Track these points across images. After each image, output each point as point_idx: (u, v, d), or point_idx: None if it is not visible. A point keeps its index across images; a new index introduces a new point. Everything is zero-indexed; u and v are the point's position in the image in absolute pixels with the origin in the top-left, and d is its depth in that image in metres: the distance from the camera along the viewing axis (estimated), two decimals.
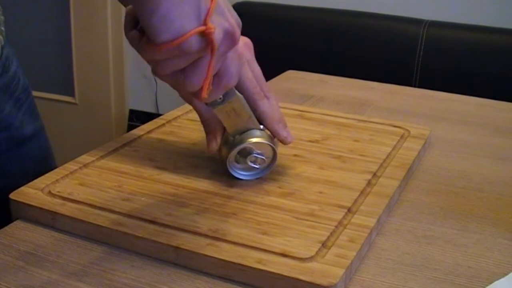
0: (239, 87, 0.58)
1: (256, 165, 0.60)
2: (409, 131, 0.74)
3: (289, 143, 0.62)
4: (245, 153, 0.60)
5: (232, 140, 0.59)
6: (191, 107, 0.80)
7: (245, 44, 0.60)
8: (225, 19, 0.46)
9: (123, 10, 0.51)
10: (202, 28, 0.44)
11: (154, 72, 0.48)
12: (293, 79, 1.06)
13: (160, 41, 0.44)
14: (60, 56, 2.32)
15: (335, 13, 1.70)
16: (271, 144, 0.60)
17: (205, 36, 0.45)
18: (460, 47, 1.54)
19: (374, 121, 0.78)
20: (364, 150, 0.68)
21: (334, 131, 0.74)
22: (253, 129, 0.59)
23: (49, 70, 2.34)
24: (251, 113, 0.58)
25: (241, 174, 0.61)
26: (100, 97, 2.31)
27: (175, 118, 0.76)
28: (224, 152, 0.60)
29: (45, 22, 2.30)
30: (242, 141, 0.59)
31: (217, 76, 0.49)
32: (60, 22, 2.27)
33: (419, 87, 1.19)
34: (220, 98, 0.54)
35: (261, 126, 0.60)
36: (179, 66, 0.47)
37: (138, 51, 0.47)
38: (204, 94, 0.47)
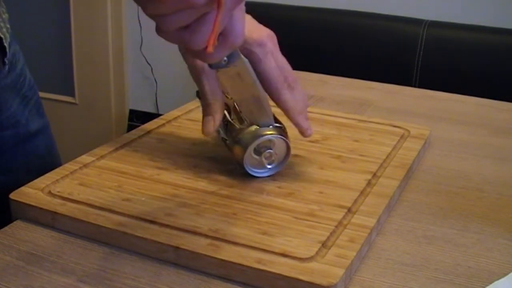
0: (262, 77, 0.58)
1: (271, 161, 0.60)
2: (409, 131, 0.74)
3: (309, 135, 0.61)
4: (259, 150, 0.60)
5: (243, 140, 0.59)
6: (191, 107, 0.80)
7: (268, 35, 0.60)
8: None
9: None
10: None
11: (158, 29, 0.46)
12: None
13: None
14: (60, 56, 2.33)
15: (335, 13, 1.70)
16: (285, 139, 0.60)
17: None
18: (460, 47, 1.54)
19: (374, 121, 0.78)
20: (364, 150, 0.68)
21: (334, 131, 0.74)
22: (259, 114, 0.59)
23: (49, 70, 2.34)
24: (256, 78, 0.57)
25: (255, 172, 0.61)
26: (100, 97, 2.31)
27: (175, 118, 0.76)
28: (238, 151, 0.60)
29: (45, 22, 2.30)
30: (255, 138, 0.58)
31: (223, 35, 0.48)
32: (60, 22, 2.27)
33: (419, 87, 1.19)
34: (224, 60, 0.53)
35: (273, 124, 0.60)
36: (184, 22, 0.45)
37: (142, 6, 0.46)
38: (210, 48, 0.45)
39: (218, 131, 0.70)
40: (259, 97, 0.58)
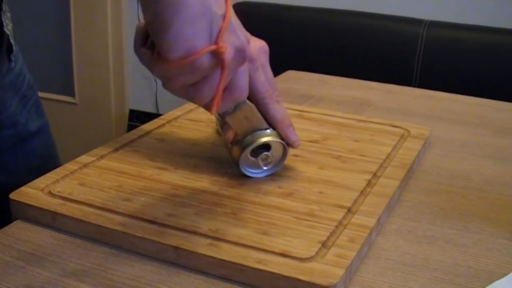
0: (252, 90, 0.59)
1: (267, 163, 0.61)
2: (409, 131, 0.74)
3: (297, 147, 0.62)
4: (256, 152, 0.60)
5: (242, 139, 0.59)
6: (191, 107, 0.80)
7: (261, 48, 0.61)
8: (236, 37, 0.47)
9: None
10: (214, 47, 0.45)
11: (165, 86, 0.49)
12: (293, 79, 1.06)
13: (172, 58, 0.45)
14: (60, 56, 2.33)
15: (335, 13, 1.70)
16: (282, 142, 0.60)
17: (217, 55, 0.46)
18: (460, 47, 1.54)
19: (374, 121, 0.78)
20: (364, 150, 0.68)
21: (334, 131, 0.74)
22: (262, 128, 0.60)
23: (49, 70, 2.34)
24: (262, 118, 0.59)
25: (251, 172, 0.61)
26: (100, 97, 2.31)
27: (175, 118, 0.76)
28: (236, 151, 0.60)
29: (45, 22, 2.30)
30: (253, 141, 0.59)
31: (228, 89, 0.50)
32: (60, 22, 2.27)
33: (419, 87, 1.19)
34: (231, 108, 0.55)
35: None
36: (190, 81, 0.48)
37: (148, 67, 0.48)
38: (214, 110, 0.49)
39: (218, 131, 0.70)
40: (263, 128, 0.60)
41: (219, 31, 0.46)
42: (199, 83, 0.48)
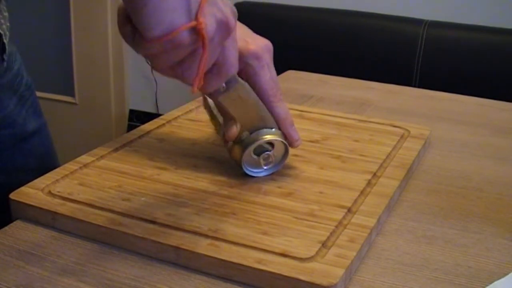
0: (257, 88, 0.59)
1: (268, 162, 0.61)
2: (409, 131, 0.74)
3: (298, 146, 0.62)
4: (258, 151, 0.60)
5: (244, 138, 0.59)
6: (191, 107, 0.80)
7: (265, 46, 0.61)
8: (218, 9, 0.46)
9: None
10: (193, 23, 0.44)
11: (153, 67, 0.48)
12: (293, 79, 1.06)
13: (151, 37, 0.44)
14: (60, 56, 2.32)
15: (335, 13, 1.70)
16: (283, 141, 0.60)
17: (197, 32, 0.45)
18: (460, 47, 1.54)
19: (374, 121, 0.78)
20: (364, 150, 0.68)
21: (334, 131, 0.74)
22: (264, 127, 0.60)
23: (49, 70, 2.34)
24: (258, 98, 0.58)
25: (252, 172, 0.61)
26: (100, 97, 2.31)
27: (175, 118, 0.76)
28: (237, 150, 0.60)
29: (45, 22, 2.30)
30: (256, 139, 0.59)
31: (217, 65, 0.49)
32: (60, 22, 2.27)
33: (419, 87, 1.20)
34: (223, 87, 0.54)
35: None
36: (175, 59, 0.46)
37: (132, 47, 0.47)
38: (195, 89, 0.47)
39: (216, 127, 0.70)
40: (263, 116, 0.59)
41: (199, 6, 0.45)
42: (185, 60, 0.47)
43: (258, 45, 0.60)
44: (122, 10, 0.48)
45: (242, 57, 0.57)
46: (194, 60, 0.47)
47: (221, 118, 0.63)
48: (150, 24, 0.44)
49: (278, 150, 0.61)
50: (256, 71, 0.59)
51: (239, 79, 0.55)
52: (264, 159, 0.61)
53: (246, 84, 0.57)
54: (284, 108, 0.61)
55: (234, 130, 0.59)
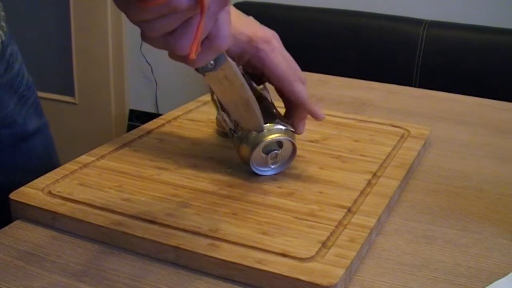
0: (272, 72, 0.61)
1: (275, 161, 0.61)
2: (409, 131, 0.74)
3: (323, 118, 0.64)
4: (266, 150, 0.60)
5: (252, 137, 0.59)
6: (191, 107, 0.80)
7: (273, 34, 0.63)
8: None
9: None
10: None
11: (144, 35, 0.46)
12: None
13: None
14: (60, 56, 2.32)
15: (335, 13, 1.70)
16: (293, 141, 0.60)
17: None
18: (460, 47, 1.54)
19: (374, 121, 0.78)
20: (364, 150, 0.68)
21: (334, 131, 0.74)
22: (272, 124, 0.59)
23: (49, 70, 2.34)
24: (244, 81, 0.57)
25: (260, 170, 0.61)
26: (100, 97, 2.31)
27: (175, 118, 0.76)
28: (245, 150, 0.60)
29: (45, 22, 2.30)
30: (263, 139, 0.59)
31: (208, 38, 0.48)
32: (60, 22, 2.27)
33: (419, 87, 1.19)
34: (211, 64, 0.52)
35: (267, 124, 0.60)
36: (168, 27, 0.45)
37: (125, 12, 0.45)
38: (193, 55, 0.45)
39: (218, 131, 0.70)
40: (248, 99, 0.58)
41: None
42: (178, 29, 0.45)
43: (266, 32, 0.62)
44: None
45: (252, 42, 0.61)
46: (188, 29, 0.45)
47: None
48: None
49: (287, 149, 0.61)
50: (268, 54, 0.61)
51: (229, 58, 0.53)
52: (272, 158, 0.61)
53: (235, 65, 0.55)
54: (304, 90, 0.62)
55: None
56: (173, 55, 0.48)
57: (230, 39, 0.49)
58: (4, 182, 0.63)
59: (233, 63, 0.54)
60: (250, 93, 0.58)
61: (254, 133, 0.59)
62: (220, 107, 0.65)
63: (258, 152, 0.60)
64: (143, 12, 0.43)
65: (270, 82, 0.64)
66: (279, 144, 0.60)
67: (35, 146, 0.74)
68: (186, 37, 0.45)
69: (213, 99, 0.69)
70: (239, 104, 0.58)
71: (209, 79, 0.54)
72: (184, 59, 0.48)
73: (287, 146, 0.61)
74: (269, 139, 0.59)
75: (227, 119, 0.63)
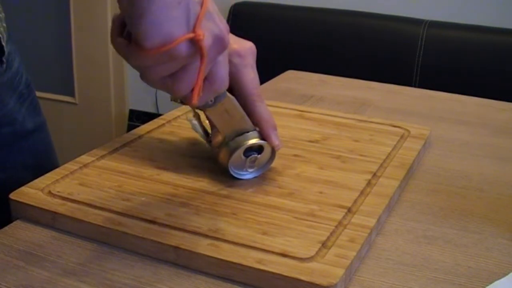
0: (240, 87, 0.59)
1: (252, 165, 0.61)
2: (409, 131, 0.74)
3: (278, 150, 0.61)
4: (245, 154, 0.60)
5: (231, 142, 0.59)
6: (190, 107, 0.80)
7: (249, 48, 0.60)
8: (215, 25, 0.46)
9: None
10: (191, 35, 0.44)
11: (142, 78, 0.48)
12: (293, 79, 1.06)
13: (148, 47, 0.44)
14: (60, 56, 2.32)
15: (335, 13, 1.70)
16: (273, 148, 0.60)
17: (195, 43, 0.44)
18: (460, 47, 1.55)
19: (374, 121, 0.78)
20: (364, 150, 0.68)
21: (334, 131, 0.74)
22: (249, 130, 0.59)
23: (49, 70, 2.34)
24: (244, 113, 0.58)
25: (240, 174, 0.61)
26: (100, 97, 2.31)
27: (175, 118, 0.77)
28: (224, 154, 0.60)
29: (45, 22, 2.30)
30: (241, 143, 0.59)
31: (207, 80, 0.49)
32: (60, 22, 2.27)
33: (419, 87, 1.19)
34: (211, 101, 0.54)
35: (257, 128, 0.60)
36: (167, 72, 0.46)
37: (125, 57, 0.47)
38: (195, 100, 0.47)
39: (197, 127, 0.69)
40: (248, 130, 0.59)
41: (197, 19, 0.44)
42: (177, 73, 0.46)
43: (242, 45, 0.60)
44: (117, 19, 0.48)
45: None
46: (186, 73, 0.46)
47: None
48: (149, 35, 0.43)
49: (266, 153, 0.61)
50: (239, 69, 0.59)
51: (227, 93, 0.55)
52: (250, 162, 0.60)
53: (234, 99, 0.57)
54: (266, 109, 0.60)
55: (219, 138, 0.60)
56: (174, 98, 0.49)
57: (227, 80, 0.51)
58: (3, 180, 0.63)
59: (232, 97, 0.56)
60: (250, 124, 0.59)
61: (230, 141, 0.59)
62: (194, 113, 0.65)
63: (238, 156, 0.59)
64: (144, 59, 0.45)
65: (232, 93, 0.62)
66: (260, 148, 0.60)
67: (34, 144, 0.74)
68: (185, 81, 0.47)
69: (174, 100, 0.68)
70: (239, 134, 0.59)
71: (210, 113, 0.56)
72: (183, 100, 0.49)
73: (267, 151, 0.60)
74: (253, 142, 0.59)
75: (198, 125, 0.63)
